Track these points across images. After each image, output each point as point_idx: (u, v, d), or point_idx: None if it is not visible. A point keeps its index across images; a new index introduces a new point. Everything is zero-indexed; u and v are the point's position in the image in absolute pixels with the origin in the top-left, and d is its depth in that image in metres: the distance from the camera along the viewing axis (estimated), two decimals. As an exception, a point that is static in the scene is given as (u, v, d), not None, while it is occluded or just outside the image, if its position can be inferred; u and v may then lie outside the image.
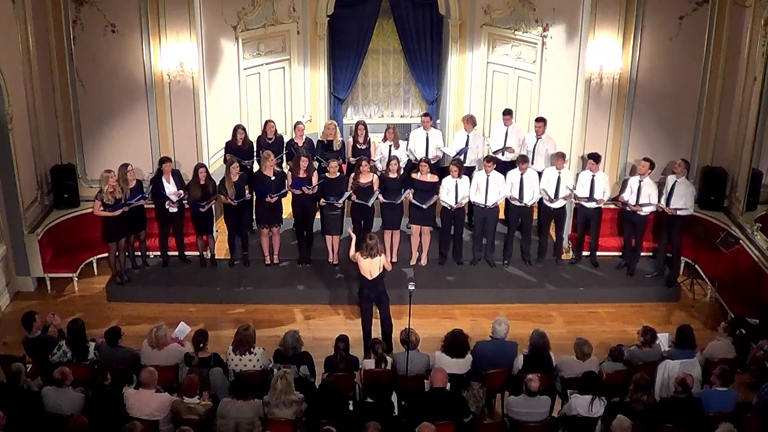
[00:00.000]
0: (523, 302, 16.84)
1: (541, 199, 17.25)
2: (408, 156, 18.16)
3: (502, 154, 17.99)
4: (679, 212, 16.56)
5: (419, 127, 18.59)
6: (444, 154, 18.39)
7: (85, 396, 11.56)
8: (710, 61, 17.34)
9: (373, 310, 14.99)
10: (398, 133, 18.40)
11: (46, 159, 17.30)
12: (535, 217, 17.81)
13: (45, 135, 17.10)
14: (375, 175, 17.00)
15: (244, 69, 19.86)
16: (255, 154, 17.82)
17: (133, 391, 11.58)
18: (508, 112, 18.29)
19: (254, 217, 17.72)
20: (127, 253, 17.09)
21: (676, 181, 16.65)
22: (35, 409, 11.33)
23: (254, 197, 17.18)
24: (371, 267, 14.43)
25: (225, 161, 17.34)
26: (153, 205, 17.05)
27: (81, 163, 17.78)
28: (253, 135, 18.18)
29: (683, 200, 16.56)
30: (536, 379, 11.69)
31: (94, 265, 17.58)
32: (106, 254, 16.98)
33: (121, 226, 16.46)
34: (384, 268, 14.60)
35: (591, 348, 12.61)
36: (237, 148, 17.58)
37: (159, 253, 17.57)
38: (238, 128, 17.79)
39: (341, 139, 18.49)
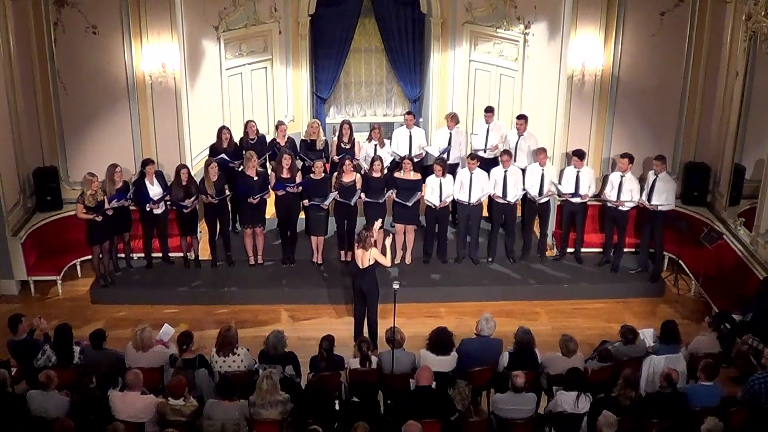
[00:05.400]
0: (508, 299, 16.86)
1: (525, 195, 17.29)
2: (392, 156, 18.15)
3: (484, 152, 18.04)
4: (660, 207, 16.61)
5: (402, 125, 18.65)
6: (427, 152, 18.42)
7: (71, 399, 11.49)
8: (692, 56, 17.38)
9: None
10: (383, 132, 18.44)
11: (28, 161, 17.22)
12: (519, 213, 17.87)
13: (27, 137, 17.00)
14: (358, 174, 17.04)
15: (226, 69, 19.80)
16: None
17: (119, 394, 11.53)
18: (489, 110, 18.34)
19: (237, 217, 17.77)
20: (110, 255, 17.00)
21: (657, 176, 16.70)
22: (20, 413, 11.28)
23: (237, 197, 17.21)
24: (362, 257, 14.60)
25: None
26: (137, 207, 17.02)
27: (63, 166, 17.72)
28: (236, 135, 18.07)
29: (664, 195, 16.61)
30: (522, 374, 11.72)
31: (78, 267, 17.53)
32: (89, 257, 16.91)
33: (104, 228, 16.38)
34: (376, 261, 14.71)
35: (576, 344, 12.62)
36: (222, 150, 17.49)
37: (143, 254, 17.49)
38: (222, 129, 17.74)
39: (324, 138, 18.53)
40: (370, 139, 18.13)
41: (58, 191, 17.61)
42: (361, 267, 14.70)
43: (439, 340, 12.74)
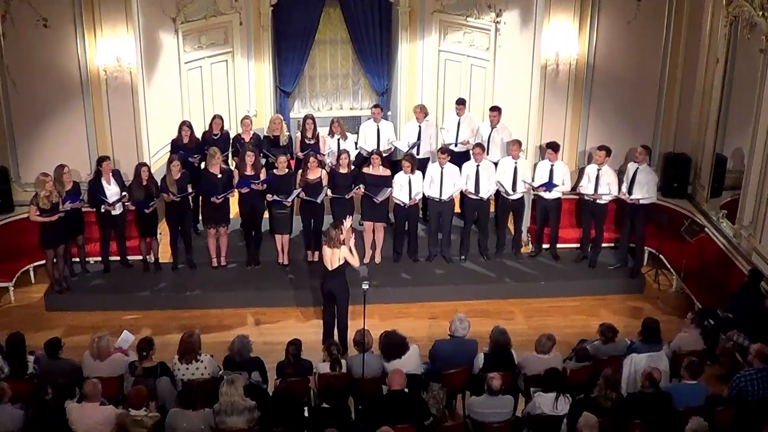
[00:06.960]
0: (482, 298, 16.71)
1: (498, 190, 17.10)
2: (358, 150, 17.99)
3: (455, 146, 17.88)
4: (641, 201, 16.54)
5: (369, 119, 18.47)
6: (396, 147, 18.26)
7: (25, 412, 11.26)
8: (670, 43, 17.52)
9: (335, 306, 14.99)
10: (344, 125, 18.25)
11: (-23, 163, 16.99)
12: (492, 209, 17.76)
13: (-24, 137, 16.77)
14: (323, 170, 16.82)
15: (185, 63, 19.52)
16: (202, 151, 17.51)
17: (76, 405, 11.34)
18: (461, 102, 18.19)
19: (200, 217, 17.53)
20: (65, 260, 16.63)
21: (637, 168, 16.65)
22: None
23: (199, 196, 17.05)
24: (332, 257, 14.35)
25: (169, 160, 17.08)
26: (93, 209, 16.70)
27: (14, 166, 17.40)
28: (198, 131, 17.89)
29: (645, 189, 16.57)
30: (498, 377, 11.58)
31: (31, 273, 17.21)
32: (43, 261, 16.62)
33: (59, 231, 16.04)
34: (346, 261, 14.46)
35: (552, 341, 12.54)
36: (183, 146, 17.30)
37: (99, 258, 17.18)
38: (183, 125, 17.54)
39: (288, 133, 18.35)
40: (331, 134, 17.94)
41: (9, 193, 17.30)
42: (330, 268, 14.45)
43: (388, 346, 12.61)
